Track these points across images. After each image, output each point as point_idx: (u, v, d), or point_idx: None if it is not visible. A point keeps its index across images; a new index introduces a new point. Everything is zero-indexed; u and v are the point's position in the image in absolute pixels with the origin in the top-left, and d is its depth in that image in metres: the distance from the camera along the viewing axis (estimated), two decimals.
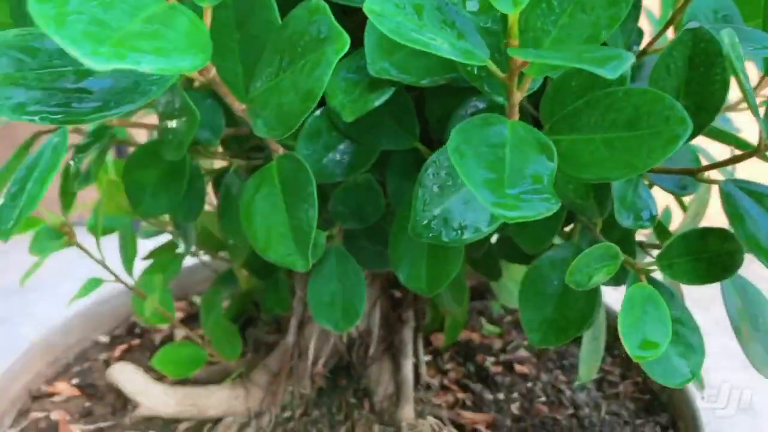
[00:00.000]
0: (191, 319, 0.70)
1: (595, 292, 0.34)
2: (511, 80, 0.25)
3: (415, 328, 0.55)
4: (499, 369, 0.60)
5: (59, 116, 0.24)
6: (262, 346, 0.60)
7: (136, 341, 0.66)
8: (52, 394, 0.59)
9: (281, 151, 0.34)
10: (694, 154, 0.35)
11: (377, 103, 0.31)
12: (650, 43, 0.36)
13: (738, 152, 0.31)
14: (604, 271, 0.30)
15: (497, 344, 0.64)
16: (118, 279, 0.51)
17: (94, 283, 0.48)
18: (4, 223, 0.33)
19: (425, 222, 0.29)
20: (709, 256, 0.30)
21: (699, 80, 0.31)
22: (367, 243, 0.42)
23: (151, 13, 0.21)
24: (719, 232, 0.31)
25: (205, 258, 0.66)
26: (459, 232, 0.29)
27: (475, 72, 0.29)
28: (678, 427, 0.53)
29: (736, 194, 0.30)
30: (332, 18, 0.24)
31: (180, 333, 0.67)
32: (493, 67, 0.25)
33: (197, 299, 0.73)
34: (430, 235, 0.29)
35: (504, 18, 0.24)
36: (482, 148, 0.24)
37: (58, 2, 0.18)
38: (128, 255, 0.50)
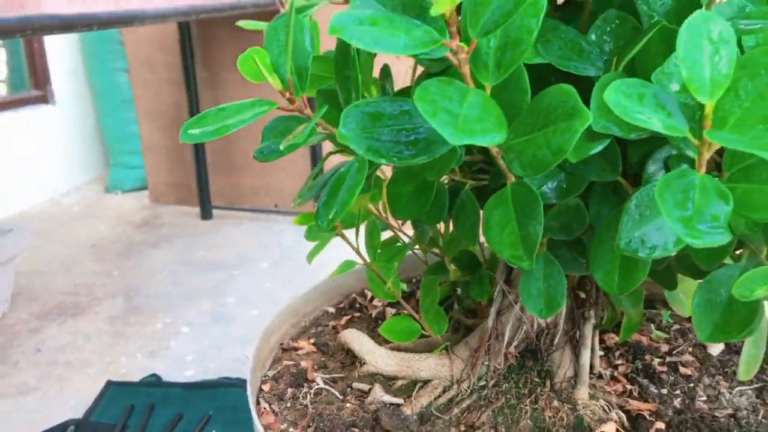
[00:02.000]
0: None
1: (756, 304, 0.43)
2: (702, 146, 0.36)
3: (594, 325, 0.65)
4: (665, 369, 0.69)
5: (395, 158, 0.38)
6: (461, 326, 0.73)
7: (357, 314, 0.82)
8: (296, 349, 0.76)
9: (512, 179, 0.46)
10: None
11: (597, 150, 0.42)
12: None
13: None
14: (765, 288, 0.40)
15: (664, 348, 0.72)
16: (366, 263, 0.66)
17: (349, 264, 0.64)
18: (323, 218, 0.48)
19: (628, 240, 0.40)
20: None
21: None
22: (566, 251, 0.54)
23: (471, 101, 0.34)
24: None
25: (417, 252, 0.80)
26: (651, 249, 0.40)
27: None
28: None
29: None
30: (580, 100, 0.36)
31: (390, 311, 0.82)
32: (690, 137, 0.35)
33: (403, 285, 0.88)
34: (631, 249, 0.40)
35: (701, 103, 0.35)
36: (678, 194, 0.35)
37: (432, 101, 0.32)
38: (374, 244, 0.65)
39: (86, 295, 1.88)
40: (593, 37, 0.46)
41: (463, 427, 0.62)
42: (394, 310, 0.81)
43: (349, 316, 0.81)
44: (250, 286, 1.92)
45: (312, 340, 0.77)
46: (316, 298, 0.83)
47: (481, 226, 0.50)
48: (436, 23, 0.36)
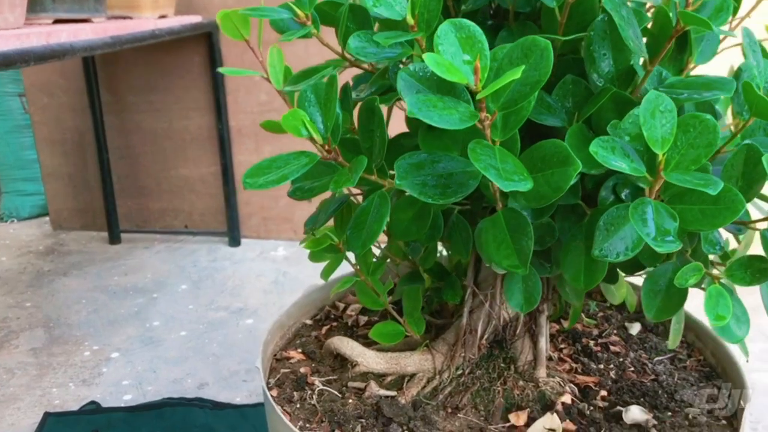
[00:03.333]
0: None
1: (686, 290, 0.59)
2: (655, 182, 0.51)
3: (547, 316, 0.80)
4: (599, 348, 0.85)
5: (440, 198, 0.50)
6: (432, 326, 0.86)
7: (334, 323, 0.93)
8: (288, 358, 0.85)
9: (501, 206, 0.59)
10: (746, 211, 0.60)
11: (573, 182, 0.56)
12: (721, 148, 0.62)
13: None
14: (695, 277, 0.55)
15: (595, 332, 0.89)
16: (361, 275, 0.77)
17: (349, 280, 0.75)
18: (354, 246, 0.59)
19: (600, 249, 0.55)
20: (753, 271, 0.55)
21: (749, 173, 0.56)
22: (534, 259, 0.68)
23: (502, 158, 0.47)
24: (759, 258, 0.56)
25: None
26: (617, 255, 0.55)
27: None
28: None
29: None
30: (572, 152, 0.50)
31: (362, 318, 0.93)
32: (648, 176, 0.50)
33: None
34: (603, 256, 0.55)
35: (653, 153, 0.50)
36: (642, 216, 0.49)
37: (481, 159, 0.44)
38: (367, 262, 0.76)
39: (1, 329, 1.83)
40: (556, 96, 0.61)
41: (449, 409, 0.75)
42: (366, 318, 0.93)
43: (328, 326, 0.92)
44: (174, 308, 1.95)
45: (300, 350, 0.87)
46: (295, 313, 0.93)
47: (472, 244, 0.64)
48: (466, 99, 0.49)
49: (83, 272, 2.18)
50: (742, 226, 0.58)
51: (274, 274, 2.12)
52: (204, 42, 2.18)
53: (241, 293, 2.03)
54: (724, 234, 0.61)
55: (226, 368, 1.64)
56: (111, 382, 1.58)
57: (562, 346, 0.86)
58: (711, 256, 0.62)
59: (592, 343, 0.86)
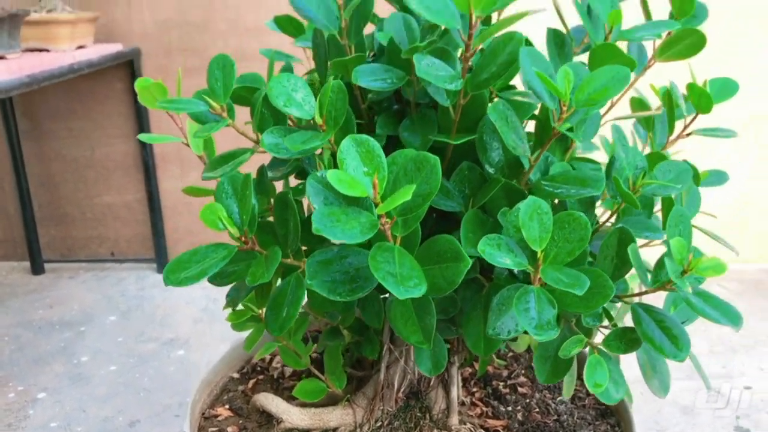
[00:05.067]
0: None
1: (572, 357, 0.66)
2: (535, 272, 0.57)
3: (457, 366, 0.86)
4: (507, 390, 0.92)
5: (347, 296, 0.55)
6: (354, 378, 0.91)
7: (260, 376, 0.96)
8: (216, 416, 0.89)
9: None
10: (626, 284, 0.68)
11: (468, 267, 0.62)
12: (596, 229, 0.69)
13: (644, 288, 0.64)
14: (577, 348, 0.62)
15: (505, 373, 0.96)
16: (282, 340, 0.81)
17: (271, 346, 0.79)
18: (272, 329, 0.64)
19: (493, 328, 0.61)
20: (626, 341, 0.62)
21: (622, 252, 0.64)
22: (442, 323, 0.74)
23: (400, 260, 0.52)
24: (630, 330, 0.63)
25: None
26: (509, 333, 0.61)
27: None
28: (621, 426, 0.86)
29: (639, 311, 0.62)
30: (462, 248, 0.56)
31: (288, 369, 0.97)
32: (530, 269, 0.57)
33: None
34: (496, 334, 0.61)
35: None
36: (525, 305, 0.56)
37: (380, 267, 0.49)
38: (289, 329, 0.80)
39: None
40: (453, 182, 0.67)
41: None
42: (291, 369, 0.97)
43: (254, 379, 0.95)
44: (102, 342, 1.93)
45: (227, 406, 0.90)
46: (222, 368, 0.96)
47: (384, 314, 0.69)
48: (369, 205, 0.54)
49: (5, 306, 2.13)
50: (617, 299, 0.66)
51: (204, 301, 2.12)
52: (125, 69, 2.16)
53: (171, 323, 2.03)
54: None
55: (158, 403, 1.65)
56: (38, 424, 1.56)
57: (475, 389, 0.92)
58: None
59: (501, 385, 0.93)
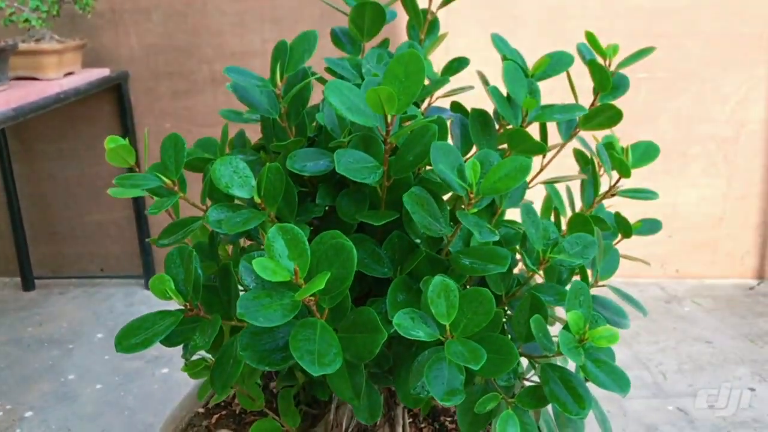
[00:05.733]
0: None
1: (490, 411, 0.72)
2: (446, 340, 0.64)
3: (403, 407, 0.93)
4: (454, 426, 0.99)
5: (276, 366, 0.62)
6: (309, 415, 0.98)
7: (224, 411, 1.03)
8: None
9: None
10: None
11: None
12: (516, 292, 0.75)
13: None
14: (492, 404, 0.69)
15: (453, 408, 1.03)
16: (236, 386, 0.88)
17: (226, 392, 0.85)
18: (216, 387, 0.70)
19: (414, 387, 0.68)
20: (536, 397, 0.69)
21: (536, 318, 0.70)
22: (379, 372, 0.81)
23: (321, 336, 0.59)
24: (539, 386, 0.70)
25: None
26: (428, 392, 0.68)
27: None
28: None
29: (548, 371, 0.69)
30: (380, 322, 0.62)
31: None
32: (440, 338, 0.63)
33: None
34: (417, 393, 0.67)
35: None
36: (437, 372, 0.62)
37: (299, 347, 0.56)
38: (242, 373, 0.87)
39: None
40: (385, 249, 0.73)
41: None
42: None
43: (218, 414, 1.02)
44: (90, 359, 2.00)
45: None
46: (188, 404, 1.03)
47: None
48: (294, 288, 0.61)
49: None
50: (533, 362, 0.72)
51: None
52: (114, 92, 2.23)
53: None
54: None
55: (141, 422, 1.72)
56: None
57: (423, 425, 0.99)
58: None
59: (448, 421, 1.00)
